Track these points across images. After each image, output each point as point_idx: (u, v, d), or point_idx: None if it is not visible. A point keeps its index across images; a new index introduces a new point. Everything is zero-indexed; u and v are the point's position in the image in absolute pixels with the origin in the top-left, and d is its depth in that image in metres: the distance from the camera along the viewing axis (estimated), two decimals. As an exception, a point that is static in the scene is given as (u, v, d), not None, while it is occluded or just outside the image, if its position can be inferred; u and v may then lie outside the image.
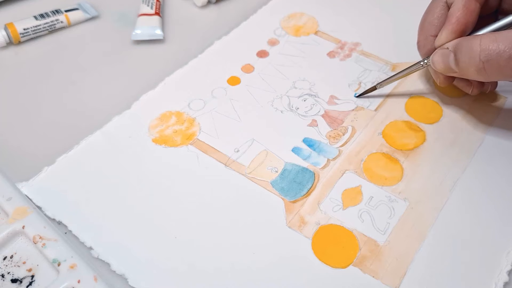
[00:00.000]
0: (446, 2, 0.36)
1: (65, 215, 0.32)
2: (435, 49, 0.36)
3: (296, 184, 0.34)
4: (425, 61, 0.37)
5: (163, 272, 0.30)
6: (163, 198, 0.34)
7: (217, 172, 0.35)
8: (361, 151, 0.36)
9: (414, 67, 0.38)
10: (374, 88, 0.40)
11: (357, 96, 0.40)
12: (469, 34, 0.34)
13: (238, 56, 0.44)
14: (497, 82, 0.39)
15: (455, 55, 0.33)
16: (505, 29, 0.33)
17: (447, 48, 0.34)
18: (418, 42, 0.39)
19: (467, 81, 0.37)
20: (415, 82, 0.41)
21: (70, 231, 0.32)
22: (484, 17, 0.36)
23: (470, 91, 0.37)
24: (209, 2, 0.49)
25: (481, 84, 0.37)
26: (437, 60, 0.35)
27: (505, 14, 0.36)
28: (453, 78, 0.36)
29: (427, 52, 0.37)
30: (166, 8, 0.49)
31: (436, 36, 0.36)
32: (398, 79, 0.39)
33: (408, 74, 0.39)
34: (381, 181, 0.35)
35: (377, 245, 0.31)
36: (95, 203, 0.33)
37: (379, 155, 0.36)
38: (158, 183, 0.34)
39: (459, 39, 0.34)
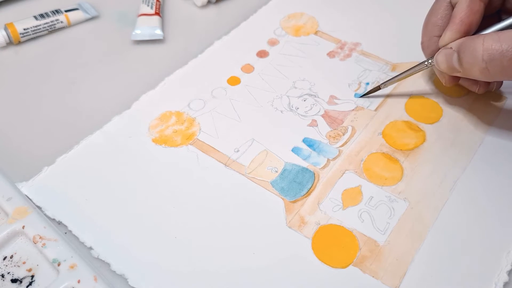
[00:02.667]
0: (450, 2, 0.36)
1: (65, 215, 0.32)
2: (439, 49, 0.35)
3: (296, 184, 0.34)
4: (429, 61, 0.37)
5: (163, 272, 0.30)
6: (163, 198, 0.34)
7: (217, 172, 0.35)
8: (361, 151, 0.36)
9: (418, 67, 0.38)
10: (378, 88, 0.40)
11: (361, 96, 0.40)
12: (473, 34, 0.34)
13: (238, 56, 0.44)
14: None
15: (458, 55, 0.33)
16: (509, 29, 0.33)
17: (451, 48, 0.34)
18: (422, 43, 0.38)
19: (473, 80, 0.36)
20: (415, 82, 0.41)
21: (70, 231, 0.32)
22: (487, 17, 0.36)
23: (477, 90, 0.37)
24: (209, 2, 0.49)
25: (487, 82, 0.37)
26: (441, 59, 0.35)
27: (509, 13, 0.36)
28: (459, 77, 0.36)
29: (431, 52, 0.37)
30: (166, 8, 0.49)
31: (440, 36, 0.35)
32: (402, 79, 0.39)
33: (412, 74, 0.39)
34: (381, 181, 0.35)
35: (377, 245, 0.31)
36: (95, 203, 0.33)
37: (379, 155, 0.36)
38: (158, 183, 0.34)
39: (462, 39, 0.33)
